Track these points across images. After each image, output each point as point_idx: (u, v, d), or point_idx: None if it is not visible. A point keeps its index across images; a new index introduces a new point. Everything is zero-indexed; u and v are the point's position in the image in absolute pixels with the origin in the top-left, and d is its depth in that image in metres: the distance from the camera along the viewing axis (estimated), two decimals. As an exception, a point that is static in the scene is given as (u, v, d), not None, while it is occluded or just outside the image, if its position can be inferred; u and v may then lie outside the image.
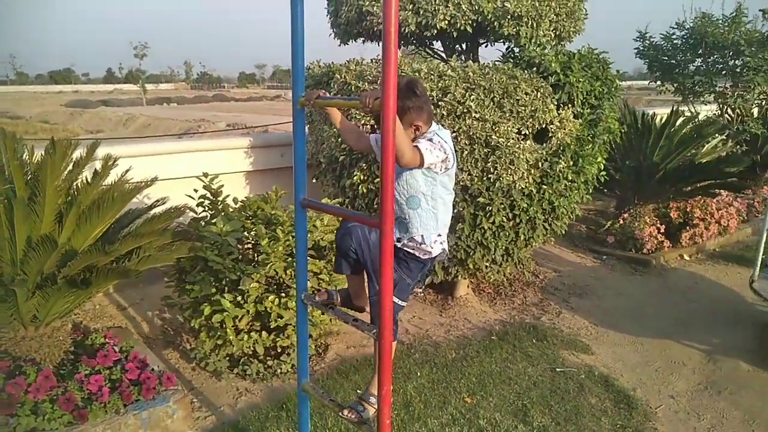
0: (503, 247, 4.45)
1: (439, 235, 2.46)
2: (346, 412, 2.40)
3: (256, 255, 3.82)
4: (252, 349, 3.64)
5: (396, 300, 2.34)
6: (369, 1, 4.56)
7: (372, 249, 2.42)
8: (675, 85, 8.68)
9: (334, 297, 2.59)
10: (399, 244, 2.44)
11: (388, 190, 1.90)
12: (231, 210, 4.07)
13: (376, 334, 2.07)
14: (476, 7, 4.31)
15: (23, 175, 3.18)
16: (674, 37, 8.43)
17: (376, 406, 2.23)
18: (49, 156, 3.16)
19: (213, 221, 3.87)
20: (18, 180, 3.10)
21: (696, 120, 7.36)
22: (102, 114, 41.40)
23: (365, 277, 2.60)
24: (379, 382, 2.00)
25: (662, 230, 6.29)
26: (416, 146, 2.21)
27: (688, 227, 6.48)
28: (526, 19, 4.42)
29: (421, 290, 5.01)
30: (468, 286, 5.02)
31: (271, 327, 3.60)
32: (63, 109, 47.73)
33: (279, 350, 3.67)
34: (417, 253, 2.44)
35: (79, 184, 3.45)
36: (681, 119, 6.83)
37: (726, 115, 8.57)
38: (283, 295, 3.63)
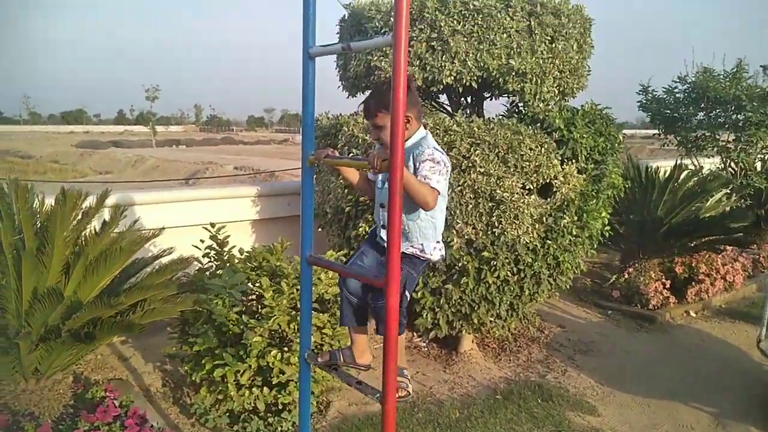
0: (508, 302, 4.43)
1: (438, 242, 2.53)
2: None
3: (259, 307, 3.81)
4: (253, 405, 3.59)
5: (406, 293, 2.41)
6: (377, 57, 4.67)
7: (369, 268, 2.49)
8: (678, 138, 8.77)
9: (338, 357, 2.58)
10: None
11: (395, 250, 1.92)
12: (236, 261, 4.08)
13: (379, 397, 2.06)
14: (481, 64, 4.41)
15: (33, 225, 3.22)
16: (676, 90, 8.55)
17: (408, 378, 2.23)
18: (59, 206, 3.21)
19: (218, 273, 3.89)
20: (27, 230, 3.13)
21: (700, 174, 7.39)
22: (112, 155, 41.90)
23: (368, 330, 2.62)
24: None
25: (668, 285, 6.25)
26: (430, 186, 2.27)
27: (693, 283, 6.43)
28: (530, 76, 4.51)
29: (425, 345, 4.97)
30: (472, 341, 4.97)
31: (273, 383, 3.56)
32: (73, 150, 48.36)
33: (280, 407, 3.61)
34: (418, 254, 2.49)
35: (87, 235, 3.48)
36: (685, 173, 6.87)
37: (729, 169, 8.62)
38: (286, 349, 3.59)
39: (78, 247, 3.40)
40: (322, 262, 2.66)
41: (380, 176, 2.56)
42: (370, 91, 2.54)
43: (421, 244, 2.48)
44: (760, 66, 8.41)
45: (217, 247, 4.13)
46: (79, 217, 3.48)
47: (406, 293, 2.43)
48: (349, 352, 2.63)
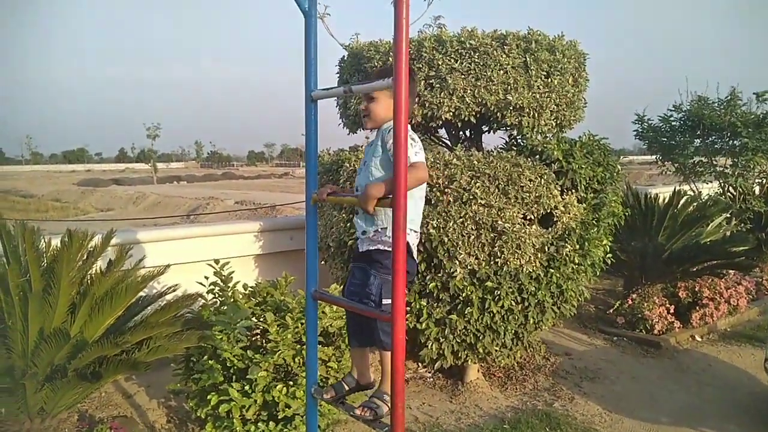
0: (513, 331, 4.44)
1: (411, 230, 2.43)
2: (358, 411, 2.37)
3: (264, 342, 3.82)
4: (259, 440, 3.57)
5: (389, 301, 2.35)
6: (377, 94, 4.76)
7: (362, 291, 2.50)
8: (676, 164, 8.84)
9: (342, 389, 2.61)
10: (365, 244, 2.49)
11: (399, 284, 1.95)
12: (240, 296, 4.11)
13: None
14: (479, 100, 4.50)
15: (39, 266, 3.25)
16: (672, 119, 8.66)
17: (389, 404, 2.21)
18: (65, 248, 3.24)
19: (223, 309, 3.91)
20: (34, 272, 3.16)
21: (699, 199, 7.45)
22: (113, 192, 42.07)
23: (368, 351, 2.67)
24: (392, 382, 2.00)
25: (672, 310, 6.25)
26: (413, 163, 2.27)
27: (697, 307, 6.43)
28: (527, 110, 4.60)
29: (430, 375, 4.95)
30: (478, 371, 4.95)
31: (279, 417, 3.55)
32: (75, 188, 48.58)
33: (287, 441, 3.60)
34: (385, 247, 2.44)
35: (93, 274, 3.51)
36: (684, 199, 6.92)
37: (728, 194, 8.67)
38: (291, 383, 3.59)
39: (84, 287, 3.43)
40: (327, 297, 2.69)
41: (361, 161, 2.60)
42: (376, 69, 2.57)
43: (385, 228, 2.42)
44: (753, 93, 8.54)
45: (222, 283, 4.16)
46: (85, 257, 3.51)
47: (384, 301, 2.40)
48: (351, 378, 2.65)
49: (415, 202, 2.46)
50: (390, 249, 2.50)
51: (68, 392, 3.10)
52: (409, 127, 2.49)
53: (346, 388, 2.61)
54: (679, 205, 6.76)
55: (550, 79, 4.67)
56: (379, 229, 2.47)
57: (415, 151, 2.33)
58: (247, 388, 3.55)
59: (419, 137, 2.53)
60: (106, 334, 3.32)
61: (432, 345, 4.43)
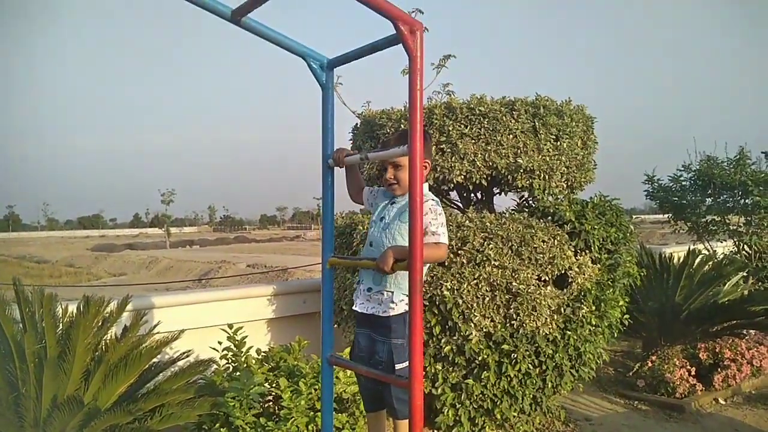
0: (531, 396, 4.34)
1: (406, 295, 2.51)
2: None
3: (277, 409, 3.76)
4: None
5: (403, 365, 2.33)
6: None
7: (372, 358, 2.53)
8: (688, 224, 8.83)
9: None
10: (366, 304, 2.55)
11: (417, 348, 1.94)
12: (254, 362, 4.07)
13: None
14: (490, 163, 4.57)
15: (55, 333, 3.26)
16: (682, 178, 8.71)
17: None
18: (82, 314, 3.26)
19: (236, 375, 3.87)
20: (50, 339, 3.17)
21: (714, 258, 7.38)
22: (126, 257, 42.43)
23: (384, 416, 2.61)
24: None
25: (693, 372, 6.09)
26: (436, 243, 2.38)
27: (719, 368, 6.26)
28: (538, 173, 4.66)
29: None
30: (496, 438, 4.81)
31: (293, 488, 3.45)
32: (89, 253, 49.10)
33: None
34: (389, 312, 2.51)
35: (107, 341, 3.51)
36: (699, 258, 6.86)
37: (743, 252, 8.60)
38: (306, 452, 3.51)
39: (98, 353, 3.42)
40: (342, 362, 2.67)
41: (376, 214, 2.66)
42: (393, 135, 2.68)
43: (392, 292, 2.52)
44: (762, 152, 8.62)
45: (235, 348, 4.14)
46: (101, 323, 3.52)
47: (403, 365, 2.41)
48: None
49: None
50: (393, 314, 2.53)
51: (79, 462, 3.05)
52: (437, 201, 2.58)
53: None
54: (695, 265, 6.69)
55: (559, 143, 4.75)
56: (384, 292, 2.51)
57: (443, 231, 2.44)
58: (260, 457, 3.47)
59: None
60: (119, 401, 3.29)
61: (448, 411, 4.33)
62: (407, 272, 2.53)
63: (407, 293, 2.53)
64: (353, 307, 2.69)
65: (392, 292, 2.53)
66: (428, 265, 2.61)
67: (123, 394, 3.40)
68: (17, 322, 3.31)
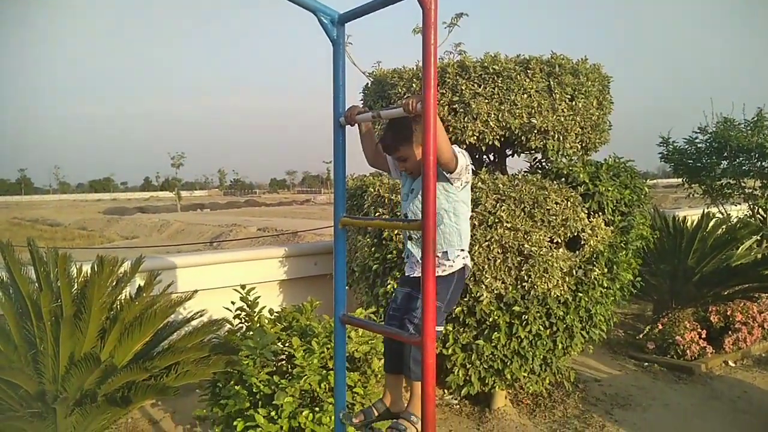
0: (541, 357, 4.37)
1: (462, 250, 2.56)
2: None
3: (290, 367, 3.81)
4: (286, 467, 3.53)
5: (438, 329, 2.39)
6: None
7: (405, 315, 2.53)
8: (703, 187, 8.74)
9: (372, 414, 2.59)
10: (419, 270, 2.47)
11: (429, 308, 1.93)
12: (266, 321, 4.11)
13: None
14: (503, 124, 4.50)
15: (70, 292, 3.29)
16: (698, 141, 8.58)
17: (418, 426, 2.18)
18: (96, 274, 3.29)
19: (249, 334, 3.91)
20: (65, 297, 3.20)
21: (728, 222, 7.32)
22: (137, 220, 42.73)
23: (403, 378, 2.66)
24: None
25: (703, 335, 6.10)
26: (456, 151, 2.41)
27: (730, 332, 6.27)
28: (552, 133, 4.58)
29: (456, 402, 4.87)
30: (506, 397, 4.86)
31: (306, 444, 3.51)
32: (101, 216, 49.49)
33: (313, 469, 3.55)
34: (441, 272, 2.48)
35: (122, 300, 3.55)
36: (713, 221, 6.80)
37: (758, 216, 8.52)
38: (317, 409, 3.56)
39: (113, 313, 3.47)
40: (355, 321, 2.69)
41: (406, 187, 2.64)
42: (385, 128, 2.64)
43: (444, 252, 2.51)
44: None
45: (248, 309, 4.18)
46: (115, 283, 3.56)
47: (438, 328, 2.44)
48: (382, 404, 2.63)
49: (467, 223, 2.59)
50: (444, 274, 2.53)
51: (98, 417, 3.11)
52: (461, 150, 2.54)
53: (376, 413, 2.59)
54: (709, 228, 6.64)
55: (574, 102, 4.66)
56: (439, 254, 2.50)
57: (462, 156, 2.47)
58: (273, 414, 3.52)
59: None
60: (135, 359, 3.34)
61: (458, 371, 4.38)
62: (453, 227, 2.54)
63: (462, 246, 2.56)
64: (407, 275, 2.69)
65: (445, 252, 2.54)
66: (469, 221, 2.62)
67: (138, 353, 3.45)
68: (33, 282, 3.35)
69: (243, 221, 33.66)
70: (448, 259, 2.53)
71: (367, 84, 5.34)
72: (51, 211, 59.72)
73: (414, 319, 2.46)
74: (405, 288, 2.64)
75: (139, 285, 3.68)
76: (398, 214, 4.22)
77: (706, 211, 7.03)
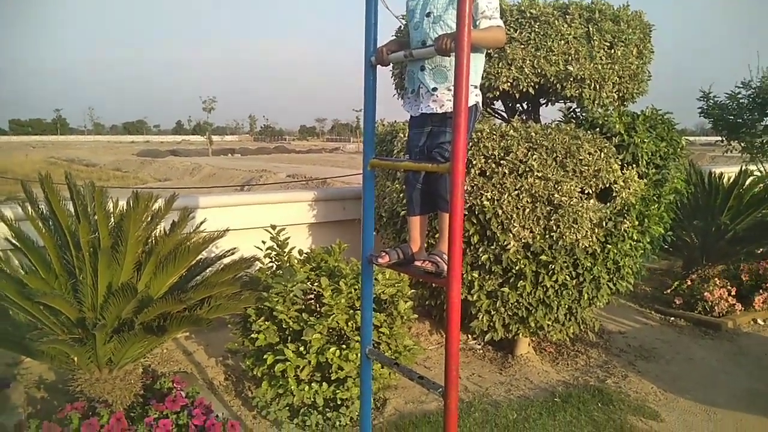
0: (566, 306, 4.39)
1: (475, 87, 2.52)
2: (419, 263, 2.48)
3: (319, 306, 3.91)
4: (312, 399, 3.68)
5: None
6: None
7: (434, 150, 2.53)
8: (742, 144, 8.47)
9: (398, 255, 2.62)
10: (434, 106, 2.50)
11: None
12: (296, 261, 4.20)
13: (441, 392, 2.10)
14: (539, 70, 4.40)
15: (107, 225, 3.40)
16: (740, 96, 8.27)
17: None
18: (132, 208, 3.38)
19: (279, 272, 4.01)
20: (103, 230, 3.30)
21: (766, 180, 7.12)
22: (170, 163, 43.33)
23: (426, 220, 2.74)
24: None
25: (733, 293, 6.04)
26: (497, 26, 2.38)
27: (761, 290, 6.20)
28: (588, 82, 4.47)
29: (480, 347, 4.96)
30: (529, 345, 4.93)
31: (332, 378, 3.64)
32: (134, 158, 50.32)
33: (338, 402, 3.69)
34: (447, 107, 2.47)
35: (157, 235, 3.65)
36: (750, 179, 6.64)
37: (799, 175, 8.26)
38: (344, 347, 3.67)
39: (149, 246, 3.57)
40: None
41: (417, 14, 2.54)
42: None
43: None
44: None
45: (278, 248, 4.26)
46: (149, 218, 3.65)
47: None
48: (408, 248, 2.68)
49: (482, 58, 2.58)
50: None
51: (134, 344, 3.26)
52: None
53: (401, 256, 2.63)
54: (746, 185, 6.49)
55: (613, 51, 4.52)
56: (449, 89, 2.43)
57: (498, 15, 2.38)
58: (301, 349, 3.65)
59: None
60: (170, 291, 3.46)
61: (483, 317, 4.44)
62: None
63: (474, 83, 2.50)
64: (413, 114, 2.65)
65: None
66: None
67: (173, 286, 3.57)
68: (71, 215, 3.46)
69: (273, 167, 33.84)
70: None
71: (400, 27, 5.23)
72: (86, 151, 60.88)
73: (444, 153, 2.42)
74: (420, 129, 2.61)
75: (173, 221, 3.77)
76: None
77: (744, 167, 6.85)
